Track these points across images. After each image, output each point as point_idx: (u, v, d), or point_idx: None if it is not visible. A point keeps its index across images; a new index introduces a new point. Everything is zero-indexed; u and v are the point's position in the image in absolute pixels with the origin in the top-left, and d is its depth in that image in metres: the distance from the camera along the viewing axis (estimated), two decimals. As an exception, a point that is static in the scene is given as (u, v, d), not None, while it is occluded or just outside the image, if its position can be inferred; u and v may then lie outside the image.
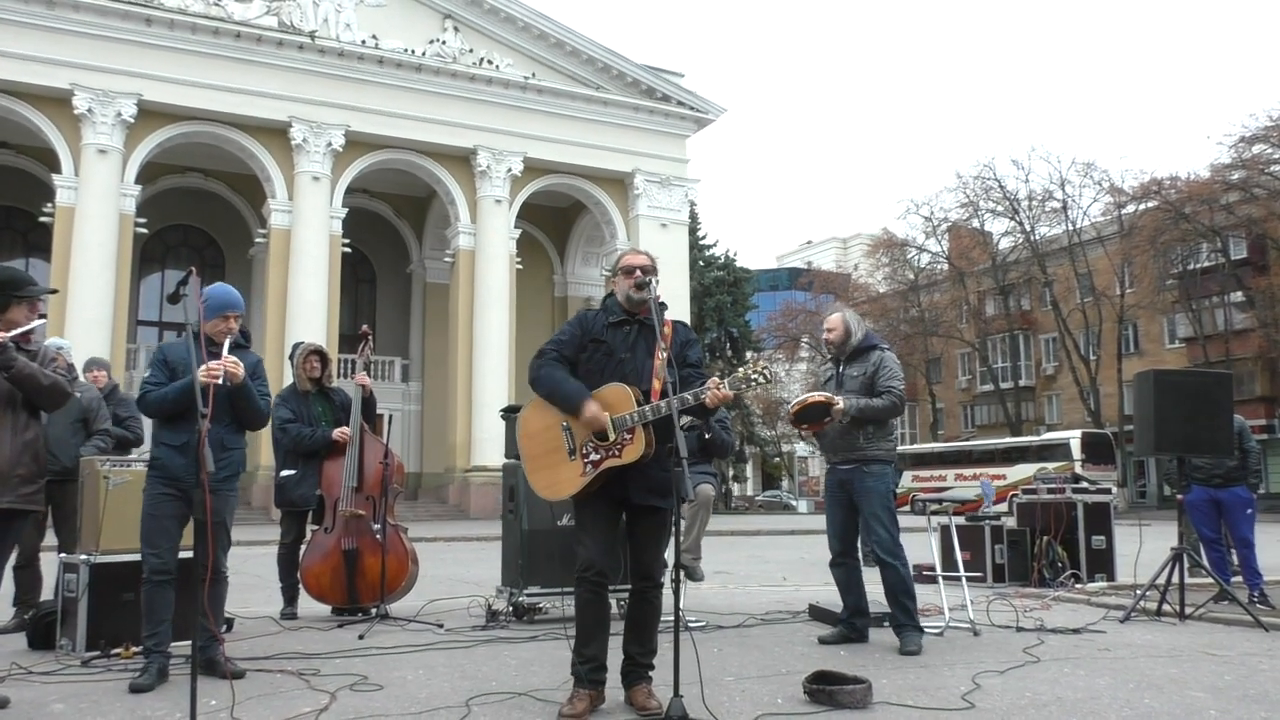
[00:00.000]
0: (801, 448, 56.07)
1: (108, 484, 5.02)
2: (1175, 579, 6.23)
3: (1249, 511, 7.28)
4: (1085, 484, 10.63)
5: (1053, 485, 9.39)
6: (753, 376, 3.59)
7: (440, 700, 3.81)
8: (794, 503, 48.60)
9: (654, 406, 3.58)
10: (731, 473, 45.69)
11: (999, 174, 42.28)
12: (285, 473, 6.44)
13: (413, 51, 27.97)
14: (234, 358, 4.24)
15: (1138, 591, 6.46)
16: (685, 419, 3.64)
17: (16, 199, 29.00)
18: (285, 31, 26.45)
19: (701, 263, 41.64)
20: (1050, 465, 29.54)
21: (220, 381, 4.10)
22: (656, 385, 3.68)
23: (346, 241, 28.05)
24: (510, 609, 5.96)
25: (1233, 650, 5.06)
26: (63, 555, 5.35)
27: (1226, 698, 3.93)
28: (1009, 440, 36.81)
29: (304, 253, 26.30)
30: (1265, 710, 3.73)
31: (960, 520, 8.40)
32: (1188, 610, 6.16)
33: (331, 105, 26.70)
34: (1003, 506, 24.63)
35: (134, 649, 4.57)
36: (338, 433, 6.32)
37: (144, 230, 26.97)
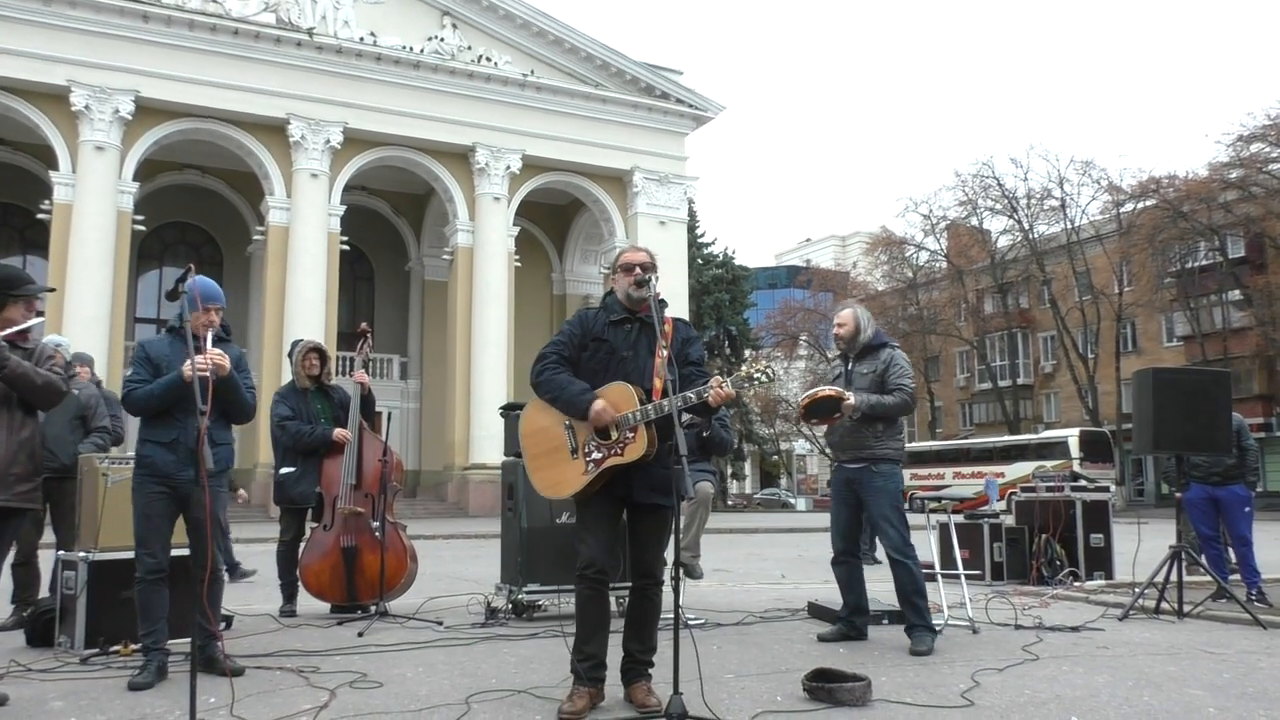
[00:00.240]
0: (800, 446, 56.16)
1: (106, 481, 5.02)
2: (1173, 577, 6.24)
3: (1247, 510, 7.30)
4: (1083, 482, 10.64)
5: (1051, 483, 9.40)
6: (755, 375, 3.59)
7: (440, 698, 3.80)
8: (792, 500, 48.66)
9: (656, 405, 3.58)
10: (730, 471, 45.70)
11: (998, 172, 42.39)
12: (284, 470, 6.44)
13: (411, 48, 27.93)
14: (219, 350, 4.22)
15: (1136, 589, 6.47)
16: (685, 417, 3.63)
17: (14, 196, 28.95)
18: (283, 28, 26.40)
19: (700, 261, 41.64)
20: (1048, 463, 29.57)
21: (208, 375, 4.07)
22: (658, 384, 3.67)
23: (345, 239, 28.02)
24: (509, 606, 5.96)
25: (1231, 648, 5.07)
26: (61, 552, 5.35)
27: (1225, 695, 3.94)
28: (1007, 438, 36.84)
29: (302, 250, 26.27)
30: (1264, 708, 3.73)
31: (959, 518, 8.41)
32: (1186, 608, 6.16)
33: (329, 102, 26.66)
34: (1001, 504, 24.67)
35: (133, 646, 4.57)
36: (338, 433, 6.32)
37: (142, 227, 26.95)
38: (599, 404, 3.60)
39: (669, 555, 3.73)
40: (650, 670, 3.74)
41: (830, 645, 5.12)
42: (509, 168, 28.94)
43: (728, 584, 8.92)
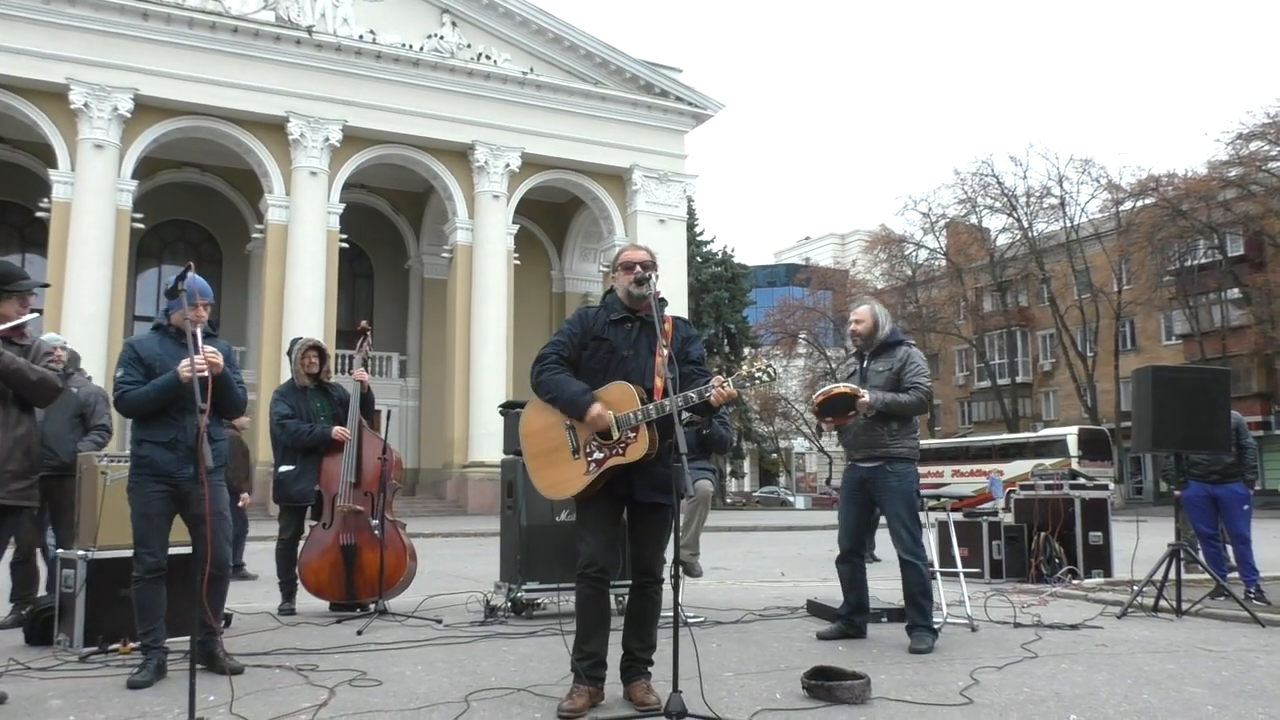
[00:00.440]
0: (799, 444, 56.16)
1: (105, 479, 5.02)
2: (1172, 575, 6.24)
3: (1245, 508, 7.29)
4: (1082, 480, 10.64)
5: (1050, 481, 9.40)
6: (756, 374, 3.59)
7: (439, 696, 3.80)
8: (791, 498, 48.67)
9: (658, 405, 3.57)
10: (729, 469, 45.70)
11: (997, 170, 42.55)
12: (284, 468, 6.44)
13: (410, 46, 27.91)
14: (212, 347, 4.20)
15: (1135, 587, 6.47)
16: (686, 415, 3.63)
17: (13, 194, 28.93)
18: (282, 26, 26.38)
19: (699, 259, 41.64)
20: (1047, 461, 29.57)
21: (207, 375, 4.04)
22: (659, 383, 3.67)
23: (344, 237, 28.01)
24: (509, 604, 5.96)
25: (1229, 646, 5.07)
26: (60, 551, 5.34)
27: (1223, 693, 3.94)
28: (1006, 436, 36.86)
29: (301, 248, 26.26)
30: (1262, 705, 3.73)
31: (958, 516, 8.42)
32: (1184, 606, 6.17)
33: (329, 100, 26.64)
34: (1000, 502, 24.64)
35: (132, 645, 4.57)
36: (337, 431, 6.31)
37: (141, 225, 26.94)
38: (597, 407, 3.59)
39: (669, 553, 3.73)
40: (650, 668, 3.74)
41: (829, 643, 5.12)
42: (508, 166, 28.92)
43: (727, 582, 8.92)
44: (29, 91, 24.17)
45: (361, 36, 27.35)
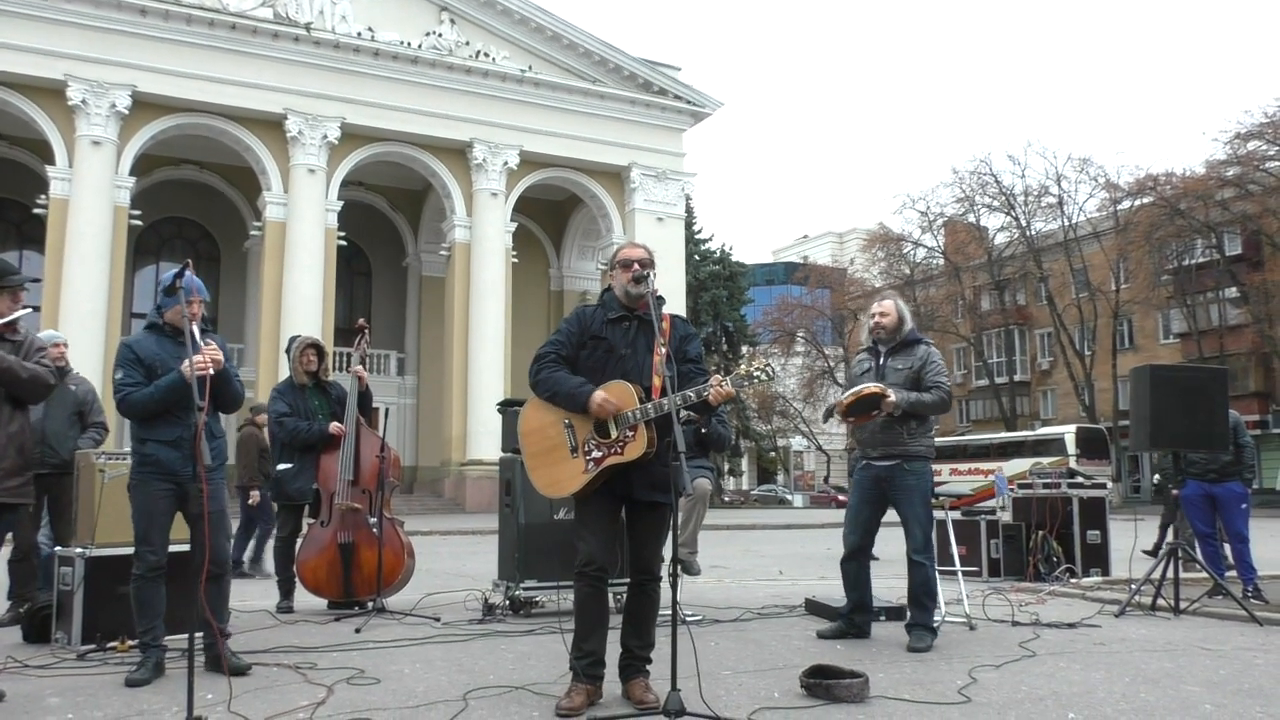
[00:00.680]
0: (798, 442, 56.14)
1: (103, 477, 5.01)
2: (1170, 573, 6.25)
3: (1243, 506, 7.30)
4: (1080, 479, 10.64)
5: (1048, 480, 9.41)
6: (755, 373, 3.58)
7: (438, 694, 3.80)
8: (789, 497, 48.69)
9: (656, 404, 3.57)
10: (727, 467, 45.71)
11: (995, 169, 42.43)
12: (282, 466, 6.44)
13: (409, 44, 27.88)
14: (213, 345, 4.18)
15: (1133, 586, 6.48)
16: (684, 414, 3.63)
17: (10, 191, 28.89)
18: (281, 23, 26.35)
19: (697, 257, 41.62)
20: (1045, 460, 29.57)
21: (209, 373, 4.03)
22: (657, 382, 3.66)
23: (342, 234, 27.98)
24: (507, 603, 5.96)
25: (1227, 644, 5.08)
26: (58, 549, 5.34)
27: (1222, 692, 3.95)
28: (1004, 435, 36.85)
29: (299, 246, 26.24)
30: (1260, 704, 3.74)
31: (956, 515, 8.42)
32: (1182, 605, 6.17)
33: (327, 98, 26.61)
34: (1001, 500, 24.65)
35: (130, 643, 4.56)
36: (334, 427, 6.31)
37: (138, 222, 26.90)
38: (599, 395, 3.59)
39: (667, 552, 3.73)
40: (648, 667, 3.74)
41: (828, 642, 5.12)
42: (506, 163, 28.91)
43: (725, 580, 8.93)
44: (27, 88, 24.13)
45: (360, 34, 27.32)
